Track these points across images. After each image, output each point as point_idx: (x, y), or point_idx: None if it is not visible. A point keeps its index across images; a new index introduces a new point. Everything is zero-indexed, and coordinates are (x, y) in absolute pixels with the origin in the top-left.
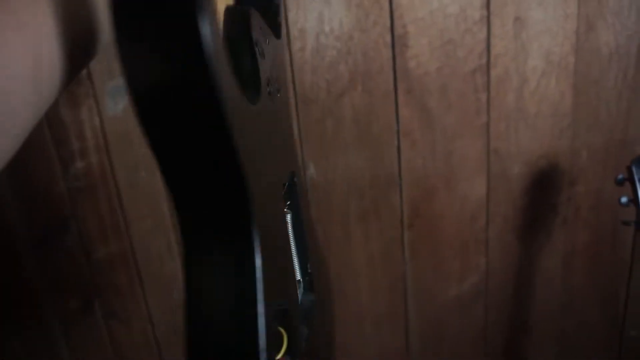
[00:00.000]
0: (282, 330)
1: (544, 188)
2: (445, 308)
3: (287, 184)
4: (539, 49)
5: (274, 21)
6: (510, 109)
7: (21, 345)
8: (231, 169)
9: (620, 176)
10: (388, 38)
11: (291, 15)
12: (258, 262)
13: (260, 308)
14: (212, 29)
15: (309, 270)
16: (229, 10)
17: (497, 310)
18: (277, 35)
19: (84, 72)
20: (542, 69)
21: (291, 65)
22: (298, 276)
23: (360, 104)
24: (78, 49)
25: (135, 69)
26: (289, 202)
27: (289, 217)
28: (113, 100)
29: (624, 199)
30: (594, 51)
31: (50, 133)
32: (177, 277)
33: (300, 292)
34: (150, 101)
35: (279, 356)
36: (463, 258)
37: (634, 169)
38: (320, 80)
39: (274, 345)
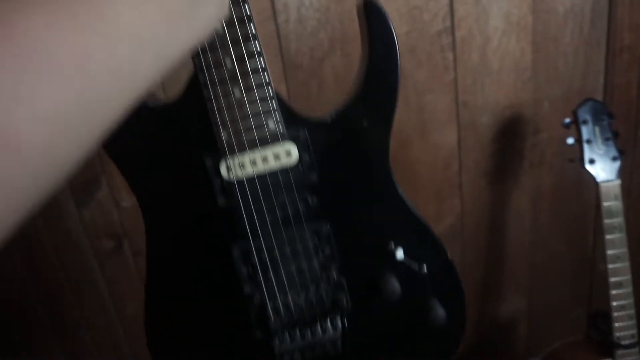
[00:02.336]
0: None
1: (510, 136)
2: None
3: None
4: (499, 11)
5: None
6: (476, 66)
7: (65, 279)
8: None
9: (567, 120)
10: None
11: None
12: None
13: None
14: None
15: None
16: None
17: (472, 248)
18: None
19: None
20: (502, 29)
21: (278, 35)
22: None
23: (340, 66)
24: None
25: None
26: None
27: None
28: None
29: (570, 140)
30: (550, 10)
31: None
32: None
33: None
34: None
35: None
36: (439, 201)
37: (578, 113)
38: (304, 47)
39: None
